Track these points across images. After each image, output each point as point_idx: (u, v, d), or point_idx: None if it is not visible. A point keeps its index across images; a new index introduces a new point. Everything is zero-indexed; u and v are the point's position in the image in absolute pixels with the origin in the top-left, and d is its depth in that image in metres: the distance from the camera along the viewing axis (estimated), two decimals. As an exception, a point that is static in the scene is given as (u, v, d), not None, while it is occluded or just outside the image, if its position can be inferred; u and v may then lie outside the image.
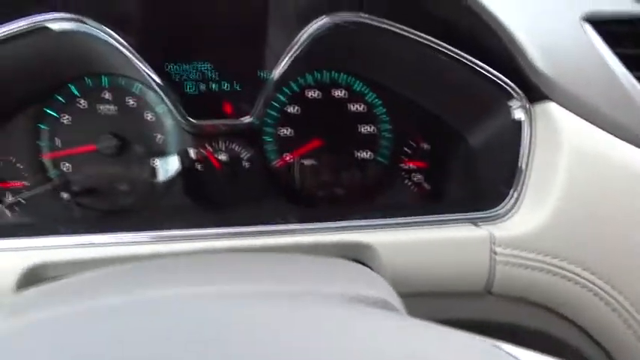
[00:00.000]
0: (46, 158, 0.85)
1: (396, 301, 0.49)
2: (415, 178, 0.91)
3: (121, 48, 0.72)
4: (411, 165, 0.91)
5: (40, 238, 0.64)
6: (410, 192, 0.91)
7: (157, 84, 0.76)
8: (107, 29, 0.70)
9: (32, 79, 0.80)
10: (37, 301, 0.48)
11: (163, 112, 0.86)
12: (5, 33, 0.66)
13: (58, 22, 0.68)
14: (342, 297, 0.43)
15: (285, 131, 0.89)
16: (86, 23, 0.69)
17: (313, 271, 0.53)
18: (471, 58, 0.73)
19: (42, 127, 0.84)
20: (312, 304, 0.38)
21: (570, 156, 0.68)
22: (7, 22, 0.65)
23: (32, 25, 0.67)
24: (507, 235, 0.68)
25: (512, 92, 0.73)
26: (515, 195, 0.72)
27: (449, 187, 0.90)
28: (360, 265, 0.61)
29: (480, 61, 0.73)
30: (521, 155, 0.72)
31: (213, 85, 0.88)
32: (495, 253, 0.67)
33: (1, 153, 0.83)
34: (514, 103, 0.73)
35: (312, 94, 0.89)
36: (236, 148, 0.87)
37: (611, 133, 0.69)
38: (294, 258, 0.58)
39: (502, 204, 0.72)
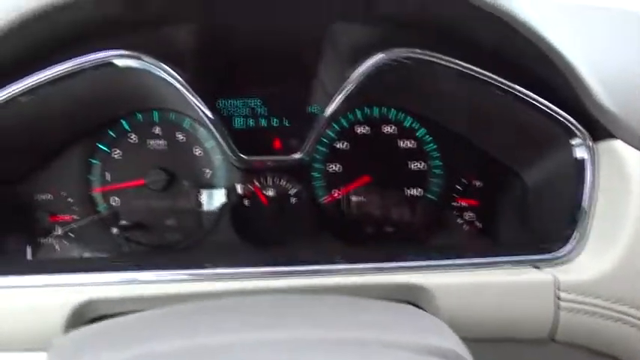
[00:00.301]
0: (96, 192, 0.85)
1: (465, 352, 0.46)
2: (467, 217, 0.88)
3: (175, 83, 0.72)
4: (463, 203, 0.88)
5: (87, 274, 0.63)
6: (461, 231, 0.88)
7: (209, 118, 0.76)
8: (164, 66, 0.70)
9: (89, 114, 0.81)
10: (92, 345, 0.47)
11: (212, 148, 0.86)
12: (74, 67, 0.67)
13: (121, 59, 0.68)
14: (414, 348, 0.40)
15: (334, 167, 0.88)
16: (144, 60, 0.69)
17: (379, 316, 0.50)
18: (530, 94, 0.70)
19: (93, 161, 0.85)
20: (385, 356, 0.36)
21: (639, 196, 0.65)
22: (71, 57, 0.66)
23: (100, 60, 0.68)
24: (572, 280, 0.64)
25: (574, 130, 0.70)
26: (578, 237, 0.68)
27: (502, 226, 0.86)
28: (425, 312, 0.58)
29: (540, 97, 0.70)
30: (584, 196, 0.69)
31: (263, 121, 0.88)
32: (559, 298, 0.64)
33: (53, 187, 0.84)
34: (576, 141, 0.70)
35: (362, 129, 0.88)
36: (284, 184, 0.86)
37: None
38: (356, 301, 0.56)
39: (564, 246, 0.69)
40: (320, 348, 0.36)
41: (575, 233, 0.69)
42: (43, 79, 0.66)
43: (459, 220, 0.88)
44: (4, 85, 0.66)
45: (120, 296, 0.62)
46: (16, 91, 0.66)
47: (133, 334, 0.48)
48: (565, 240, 0.69)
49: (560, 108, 0.70)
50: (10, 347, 0.61)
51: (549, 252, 0.69)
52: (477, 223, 0.88)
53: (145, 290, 0.63)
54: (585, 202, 0.69)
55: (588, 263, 0.66)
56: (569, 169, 0.71)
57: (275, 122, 0.88)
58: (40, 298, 0.61)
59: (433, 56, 0.71)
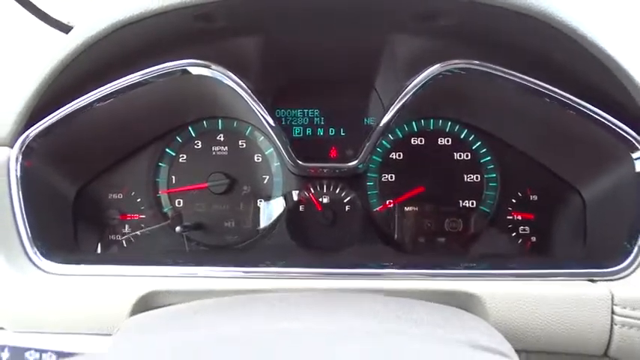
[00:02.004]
0: (163, 194, 0.91)
1: (513, 353, 0.47)
2: (521, 230, 0.87)
3: (240, 91, 0.76)
4: (518, 216, 0.87)
5: (151, 267, 0.68)
6: (515, 245, 0.87)
7: (270, 126, 0.80)
8: (230, 74, 0.75)
9: (160, 120, 0.87)
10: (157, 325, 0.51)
11: (271, 154, 0.90)
12: (152, 72, 0.73)
13: (193, 67, 0.74)
14: (467, 344, 0.41)
15: (388, 177, 0.90)
16: (213, 69, 0.74)
17: (433, 315, 0.51)
18: (591, 107, 0.70)
19: (161, 164, 0.91)
20: (442, 346, 0.37)
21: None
22: (150, 65, 0.72)
23: (175, 67, 0.73)
24: (628, 295, 0.63)
25: (635, 143, 0.69)
26: (636, 251, 0.67)
27: (557, 241, 0.85)
28: (476, 316, 0.59)
29: (601, 110, 0.70)
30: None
31: (320, 131, 0.91)
32: (615, 313, 0.62)
33: (124, 187, 0.90)
34: (637, 155, 0.69)
35: (417, 140, 0.90)
36: (338, 192, 0.89)
37: None
38: (409, 302, 0.57)
39: (622, 261, 0.67)
40: (379, 336, 0.38)
41: (633, 248, 0.67)
42: (125, 83, 0.73)
43: (513, 234, 0.88)
44: (93, 89, 0.72)
45: (180, 289, 0.66)
46: (104, 93, 0.73)
47: (193, 318, 0.51)
48: (623, 255, 0.68)
49: (621, 122, 0.69)
50: (78, 330, 0.66)
51: (606, 267, 0.68)
52: (532, 237, 0.87)
53: (203, 285, 0.67)
54: (643, 217, 0.67)
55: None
56: (629, 183, 0.70)
57: (332, 132, 0.91)
58: (109, 287, 0.66)
59: (491, 68, 0.72)
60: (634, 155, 0.69)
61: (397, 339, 0.40)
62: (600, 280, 0.66)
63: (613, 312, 0.63)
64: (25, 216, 0.71)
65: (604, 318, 0.63)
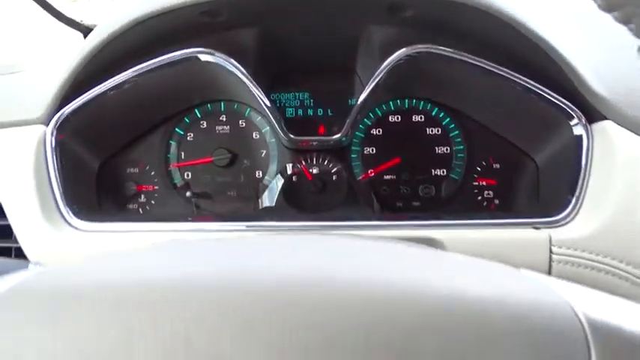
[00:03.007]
0: (173, 167, 1.04)
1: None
2: (485, 194, 1.01)
3: (241, 76, 0.90)
4: (482, 182, 1.01)
5: (164, 223, 0.82)
6: (481, 206, 1.01)
7: (267, 106, 0.94)
8: (232, 60, 0.88)
9: (171, 102, 1.00)
10: None
11: (267, 132, 1.03)
12: (167, 59, 0.87)
13: (200, 54, 0.87)
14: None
15: (370, 150, 1.03)
16: (216, 55, 0.88)
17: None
18: (534, 84, 0.83)
19: (172, 142, 1.04)
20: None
21: (625, 168, 0.76)
22: (164, 53, 0.86)
23: (186, 55, 0.87)
24: (564, 237, 0.76)
25: (572, 113, 0.82)
26: (574, 203, 0.80)
27: (517, 201, 0.98)
28: None
29: (543, 86, 0.83)
30: (581, 168, 0.81)
31: (310, 111, 1.05)
32: (552, 252, 0.76)
33: (140, 162, 1.03)
34: (574, 122, 0.82)
35: (394, 118, 1.03)
36: (326, 164, 1.02)
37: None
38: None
39: (562, 211, 0.80)
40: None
41: (572, 200, 0.80)
42: (142, 69, 0.86)
43: (479, 197, 1.01)
44: (112, 76, 0.86)
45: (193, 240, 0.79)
46: (121, 79, 0.86)
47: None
48: (564, 206, 0.81)
49: (560, 95, 0.83)
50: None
51: (549, 217, 0.81)
52: (495, 200, 1.01)
53: (213, 236, 0.80)
54: (581, 174, 0.80)
55: (580, 225, 0.78)
56: (570, 145, 0.83)
57: (320, 112, 1.05)
58: (131, 240, 0.79)
59: (449, 52, 0.85)
60: (571, 122, 0.83)
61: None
62: (543, 227, 0.80)
63: (551, 251, 0.76)
64: (59, 182, 0.84)
65: (543, 256, 0.76)
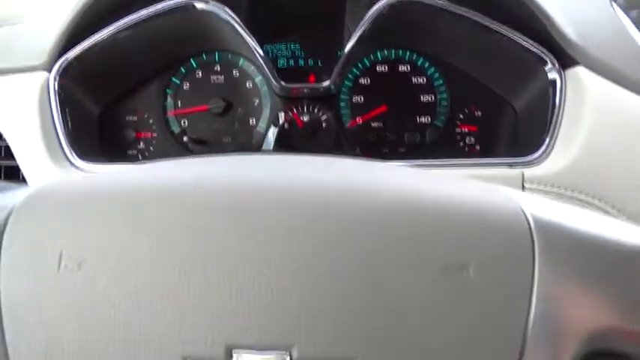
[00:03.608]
0: (170, 115, 1.09)
1: None
2: (467, 140, 1.06)
3: (235, 25, 0.94)
4: (465, 129, 1.06)
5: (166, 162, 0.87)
6: (463, 152, 1.06)
7: (260, 55, 0.98)
8: (226, 8, 0.92)
9: (167, 52, 1.04)
10: None
11: (260, 81, 1.08)
12: (162, 8, 0.91)
13: (197, 2, 0.91)
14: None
15: (358, 98, 1.08)
16: (210, 3, 0.92)
17: None
18: (510, 30, 0.88)
19: (168, 91, 1.09)
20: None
21: (594, 111, 0.82)
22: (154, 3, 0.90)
23: (181, 3, 0.91)
24: (536, 174, 0.82)
25: (546, 58, 0.87)
26: (547, 144, 0.86)
27: (497, 146, 1.04)
28: None
29: (520, 33, 0.88)
30: (554, 110, 0.86)
31: (301, 61, 1.09)
32: (524, 187, 0.82)
33: (139, 110, 1.08)
34: (548, 67, 0.87)
35: (381, 68, 1.08)
36: (316, 112, 1.07)
37: (632, 91, 0.82)
38: None
39: (536, 152, 0.86)
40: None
41: (545, 141, 0.86)
42: (138, 18, 0.90)
43: (461, 144, 1.06)
44: (111, 23, 0.90)
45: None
46: (120, 27, 0.90)
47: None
48: (538, 148, 0.87)
49: (535, 41, 0.88)
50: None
51: (524, 156, 0.87)
52: (477, 146, 1.06)
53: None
54: (554, 117, 0.86)
55: (551, 163, 0.84)
56: (545, 89, 0.89)
57: (311, 62, 1.09)
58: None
59: (431, 0, 0.90)
60: (546, 68, 0.88)
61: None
62: (518, 166, 0.85)
63: (523, 187, 0.82)
64: (62, 126, 0.89)
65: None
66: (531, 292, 0.40)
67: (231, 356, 0.38)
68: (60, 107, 0.89)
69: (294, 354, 0.38)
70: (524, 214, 0.43)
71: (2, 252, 0.40)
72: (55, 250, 0.40)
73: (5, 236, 0.40)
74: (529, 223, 0.42)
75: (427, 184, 0.45)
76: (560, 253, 0.41)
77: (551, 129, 0.86)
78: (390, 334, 0.38)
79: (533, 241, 0.41)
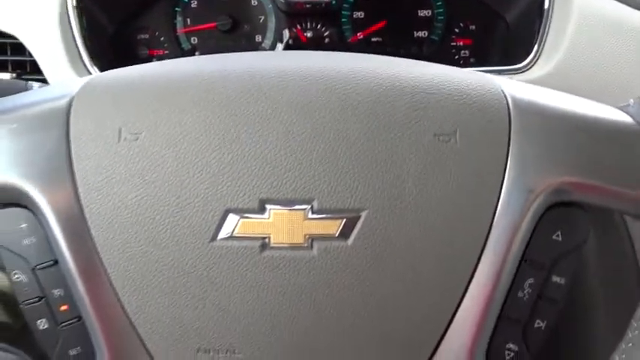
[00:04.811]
0: (180, 32, 1.14)
1: None
2: (462, 53, 1.13)
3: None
4: (460, 42, 1.12)
5: None
6: (458, 65, 1.13)
7: None
8: None
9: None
10: None
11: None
12: None
13: None
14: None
15: (358, 14, 1.13)
16: None
17: None
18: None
19: (177, 9, 1.13)
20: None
21: (578, 22, 0.88)
22: None
23: None
24: (523, 78, 0.90)
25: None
26: (534, 52, 0.92)
27: (490, 59, 1.11)
28: None
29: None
30: (542, 22, 0.92)
31: (304, -20, 1.14)
32: (510, 92, 0.89)
33: (150, 29, 1.13)
34: (539, -18, 0.93)
35: (381, -16, 1.13)
36: (319, 28, 1.12)
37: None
38: None
39: (524, 61, 0.93)
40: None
41: (533, 49, 0.93)
42: None
43: (456, 57, 1.13)
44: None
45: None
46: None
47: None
48: (526, 57, 0.94)
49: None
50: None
51: (512, 65, 0.94)
52: (471, 59, 1.13)
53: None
54: (542, 27, 0.93)
55: (539, 70, 0.91)
56: (534, 3, 0.95)
57: (314, -20, 1.14)
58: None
59: None
60: (536, -18, 0.94)
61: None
62: (507, 74, 0.93)
63: (510, 92, 0.90)
64: (82, 38, 0.95)
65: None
66: (507, 156, 0.49)
67: (264, 208, 0.47)
68: (78, 21, 0.95)
69: (315, 206, 0.47)
70: (503, 92, 0.51)
71: (71, 127, 0.48)
72: (115, 125, 0.48)
73: (72, 113, 0.48)
74: (507, 99, 0.50)
75: (423, 69, 0.53)
76: (532, 125, 0.50)
77: (539, 38, 0.93)
78: (392, 191, 0.48)
79: (509, 114, 0.50)
